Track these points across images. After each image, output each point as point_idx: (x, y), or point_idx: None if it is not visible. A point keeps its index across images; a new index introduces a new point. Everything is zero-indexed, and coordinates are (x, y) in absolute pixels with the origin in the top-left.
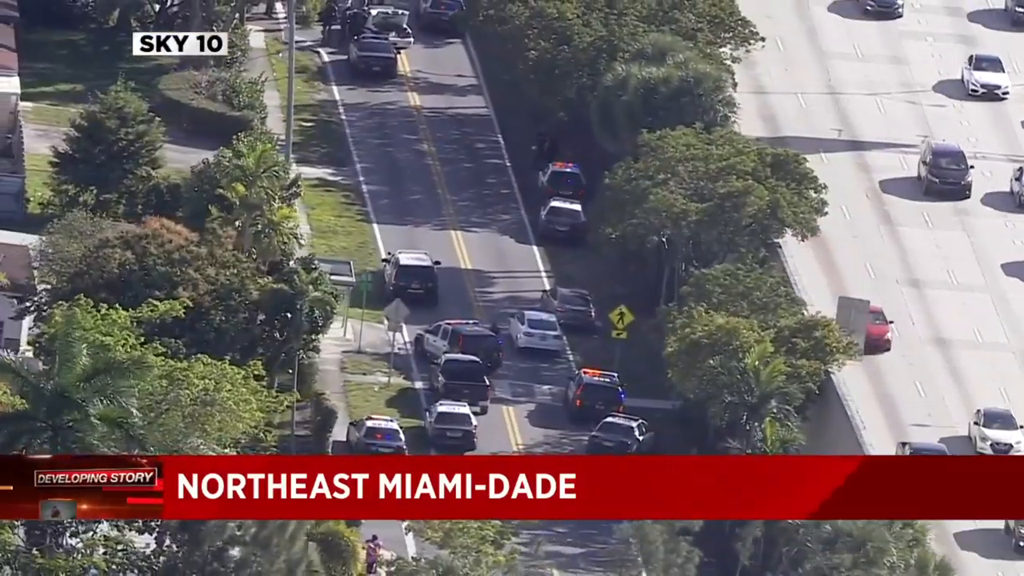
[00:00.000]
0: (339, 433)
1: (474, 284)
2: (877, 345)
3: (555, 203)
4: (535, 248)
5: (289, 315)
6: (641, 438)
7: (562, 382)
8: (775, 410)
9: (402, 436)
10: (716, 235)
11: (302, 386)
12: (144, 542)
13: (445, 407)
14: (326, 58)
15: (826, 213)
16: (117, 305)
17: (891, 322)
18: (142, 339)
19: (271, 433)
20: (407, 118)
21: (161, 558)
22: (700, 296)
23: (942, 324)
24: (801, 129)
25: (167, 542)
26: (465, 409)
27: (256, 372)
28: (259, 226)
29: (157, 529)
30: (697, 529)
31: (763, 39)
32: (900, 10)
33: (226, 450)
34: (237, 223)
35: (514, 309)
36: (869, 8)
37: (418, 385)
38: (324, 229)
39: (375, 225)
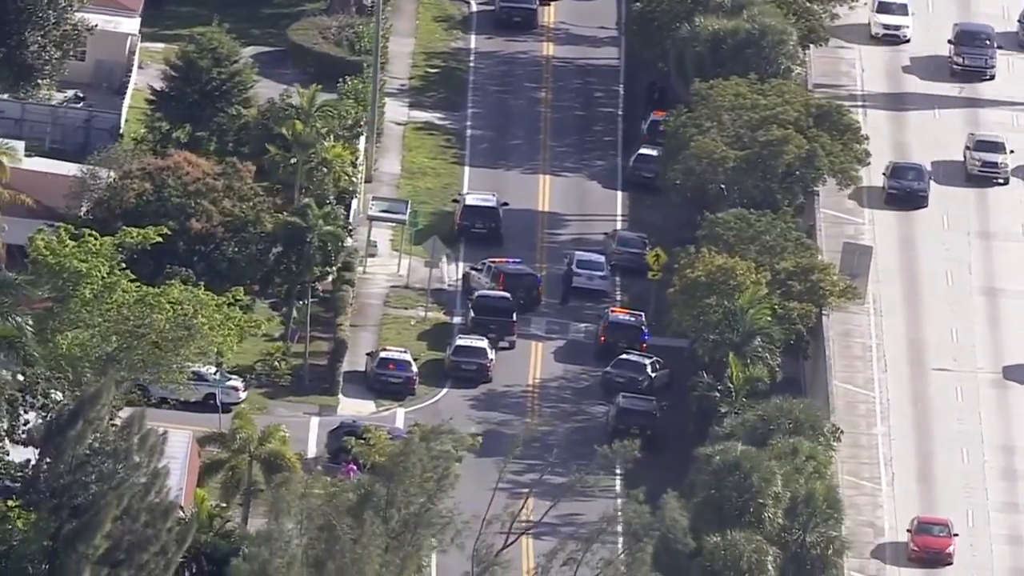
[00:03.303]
0: (360, 363)
1: (545, 226)
2: (939, 559)
3: (643, 150)
4: (619, 193)
5: (301, 248)
6: (654, 375)
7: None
8: (759, 348)
9: (414, 367)
10: (753, 182)
11: (334, 317)
12: (24, 455)
13: (463, 341)
14: (474, 8)
15: (869, 163)
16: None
17: (956, 535)
18: (123, 265)
19: (286, 363)
20: (534, 67)
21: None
22: (713, 239)
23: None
24: (922, 86)
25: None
26: (483, 343)
27: (237, 298)
28: (313, 163)
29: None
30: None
31: None
32: None
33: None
34: (293, 160)
35: (578, 250)
36: None
37: (456, 320)
38: (414, 170)
39: (467, 168)
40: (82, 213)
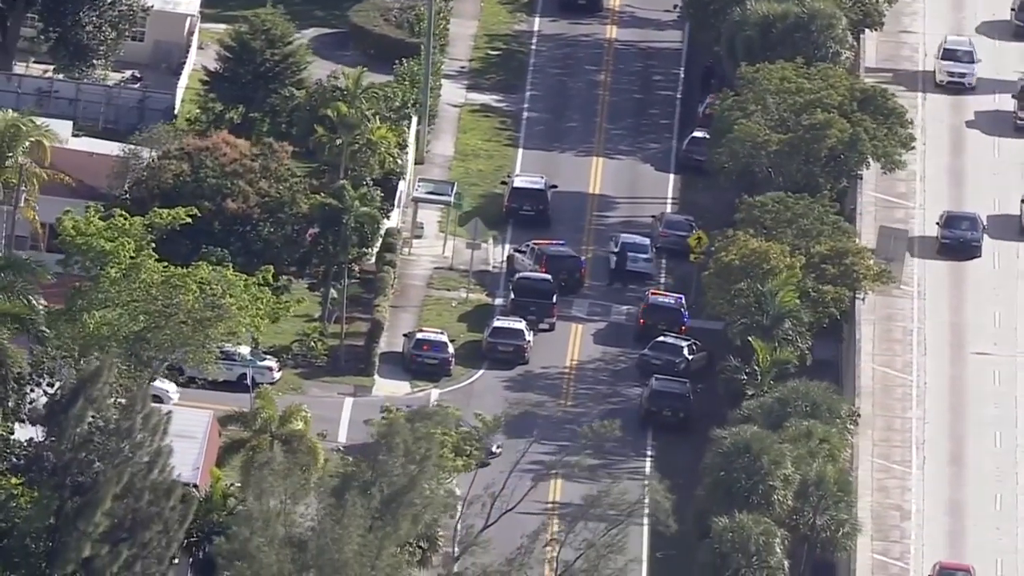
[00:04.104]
0: (399, 344)
1: (595, 208)
2: None
3: (697, 133)
4: (671, 176)
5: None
6: (691, 358)
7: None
8: (789, 332)
9: (450, 348)
10: (796, 165)
11: (376, 297)
12: (28, 434)
13: (501, 322)
14: None
15: (913, 148)
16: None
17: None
18: (153, 244)
19: (322, 343)
20: (596, 50)
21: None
22: (751, 222)
23: None
24: (986, 71)
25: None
26: (520, 325)
27: (265, 279)
28: (358, 145)
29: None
30: None
31: None
32: None
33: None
34: (338, 141)
35: (623, 233)
36: None
37: (498, 302)
38: (467, 152)
39: (520, 150)
40: (118, 193)
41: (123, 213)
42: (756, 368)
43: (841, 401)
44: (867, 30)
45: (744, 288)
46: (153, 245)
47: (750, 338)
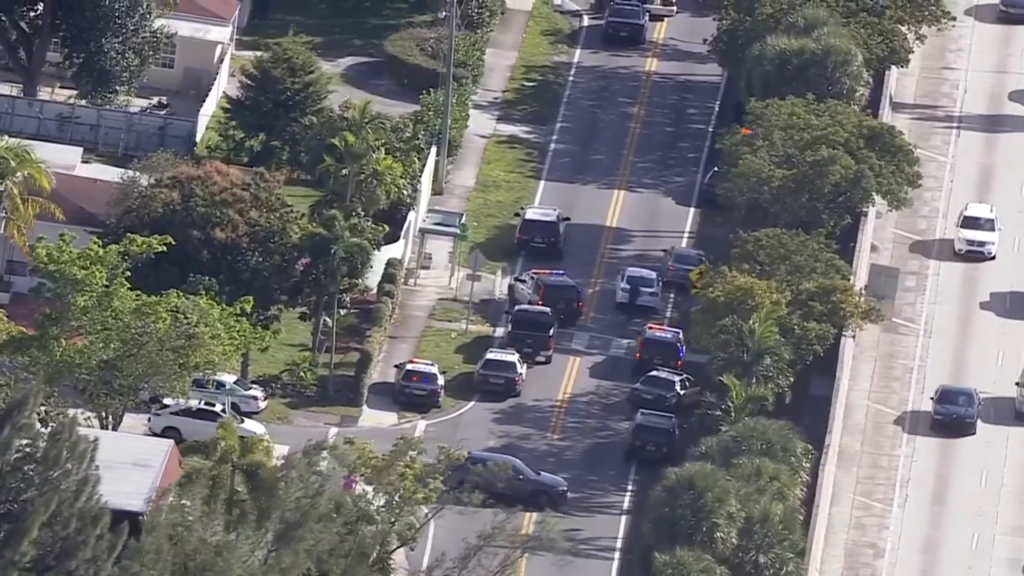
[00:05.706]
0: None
1: (609, 241)
2: None
3: (718, 168)
4: (691, 210)
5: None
6: (683, 392)
7: None
8: (770, 368)
9: (440, 380)
10: (800, 202)
11: (373, 328)
12: None
13: (493, 355)
14: (586, 22)
15: (919, 185)
16: (100, 241)
17: None
18: (127, 273)
19: (313, 373)
20: (633, 82)
21: None
22: (745, 257)
23: None
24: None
25: None
26: (512, 357)
27: (243, 309)
28: (364, 174)
29: None
30: None
31: (954, 18)
32: None
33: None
34: (344, 171)
35: (630, 267)
36: None
37: (498, 333)
38: (488, 183)
39: (542, 182)
40: (109, 221)
41: (96, 240)
42: (731, 404)
43: (797, 440)
44: (896, 67)
45: (728, 324)
46: (127, 273)
47: (723, 376)
